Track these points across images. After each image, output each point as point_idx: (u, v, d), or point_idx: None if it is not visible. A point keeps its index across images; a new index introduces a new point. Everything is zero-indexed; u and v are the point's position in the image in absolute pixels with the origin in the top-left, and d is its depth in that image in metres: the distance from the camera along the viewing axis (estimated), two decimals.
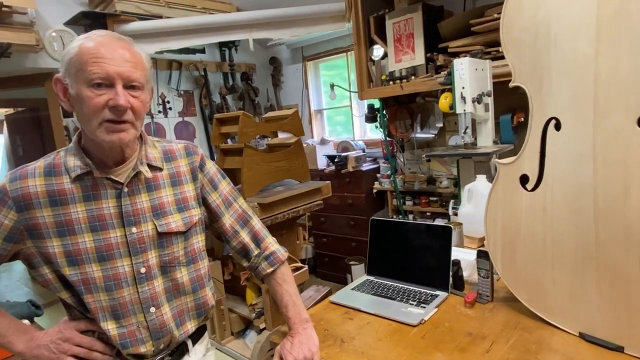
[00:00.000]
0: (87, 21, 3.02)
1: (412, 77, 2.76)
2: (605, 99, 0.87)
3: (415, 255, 1.41)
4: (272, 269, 1.13)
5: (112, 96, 0.85)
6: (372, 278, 1.49)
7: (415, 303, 1.26)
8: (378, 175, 3.49)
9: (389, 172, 3.35)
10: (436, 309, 1.23)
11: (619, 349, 0.95)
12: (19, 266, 5.36)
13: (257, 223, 1.16)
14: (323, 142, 3.87)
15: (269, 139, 2.89)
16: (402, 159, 3.40)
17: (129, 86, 0.87)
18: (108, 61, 0.84)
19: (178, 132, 3.82)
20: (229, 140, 2.97)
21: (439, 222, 2.75)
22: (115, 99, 0.85)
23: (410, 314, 1.21)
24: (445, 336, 1.09)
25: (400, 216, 3.33)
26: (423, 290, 1.34)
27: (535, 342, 1.02)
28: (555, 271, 1.03)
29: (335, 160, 3.53)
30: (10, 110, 4.78)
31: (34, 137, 4.04)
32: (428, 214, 3.21)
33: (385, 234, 1.50)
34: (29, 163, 0.94)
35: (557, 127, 0.97)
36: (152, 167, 0.99)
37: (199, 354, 1.09)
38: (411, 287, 1.36)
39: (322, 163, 3.76)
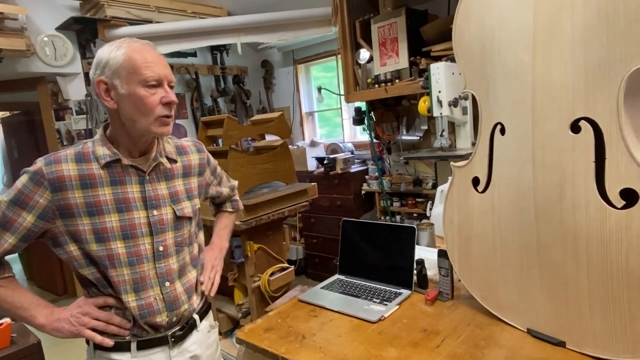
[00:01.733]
0: (78, 26, 3.08)
1: (397, 81, 2.80)
2: (541, 105, 0.92)
3: (382, 255, 1.46)
4: (231, 210, 1.46)
5: (164, 94, 1.01)
6: (342, 277, 1.53)
7: (378, 301, 1.31)
8: (366, 177, 3.54)
9: (376, 174, 3.40)
10: (397, 307, 1.27)
11: (561, 344, 0.99)
12: (16, 267, 5.42)
13: (233, 182, 1.48)
14: (313, 144, 3.92)
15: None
16: (389, 161, 3.44)
17: (170, 86, 1.04)
18: (155, 65, 0.99)
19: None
20: (219, 142, 3.03)
21: (423, 222, 2.79)
22: (168, 96, 1.01)
23: (371, 311, 1.25)
24: (401, 332, 1.14)
25: (388, 217, 3.38)
26: (388, 288, 1.38)
27: (484, 338, 1.07)
28: (504, 270, 1.08)
29: (324, 162, 3.57)
30: (7, 113, 4.85)
31: (28, 140, 4.10)
32: (415, 215, 3.25)
33: (355, 234, 1.54)
34: (59, 151, 1.04)
35: (502, 131, 1.02)
36: (169, 160, 1.13)
37: (204, 330, 1.21)
38: (378, 286, 1.41)
39: (312, 165, 3.81)
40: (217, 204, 1.46)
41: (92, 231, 1.00)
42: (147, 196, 1.06)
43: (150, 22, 3.25)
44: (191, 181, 1.19)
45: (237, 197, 1.49)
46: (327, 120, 4.37)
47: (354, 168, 3.59)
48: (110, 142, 1.05)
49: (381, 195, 3.40)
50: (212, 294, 1.22)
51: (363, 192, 3.54)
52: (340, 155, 3.56)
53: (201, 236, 1.24)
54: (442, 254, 1.29)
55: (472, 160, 1.11)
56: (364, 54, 3.03)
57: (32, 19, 2.99)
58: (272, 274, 2.72)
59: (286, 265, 2.85)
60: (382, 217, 3.48)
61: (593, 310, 0.91)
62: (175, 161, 1.15)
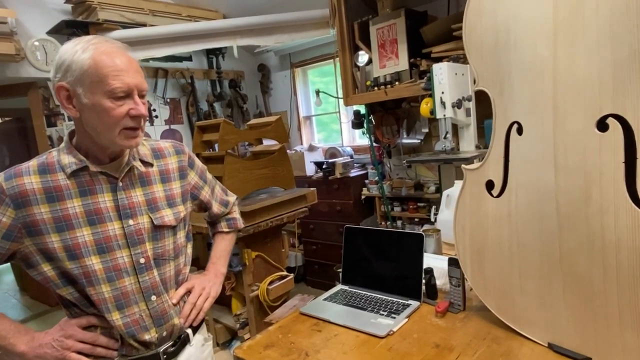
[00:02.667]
0: (70, 30, 3.00)
1: (396, 83, 2.74)
2: (564, 102, 0.85)
3: (388, 264, 1.38)
4: (227, 230, 1.31)
5: (133, 106, 0.91)
6: (346, 287, 1.45)
7: (385, 313, 1.23)
8: (366, 181, 3.46)
9: (376, 178, 3.33)
10: (406, 320, 1.19)
11: None
12: (8, 277, 5.30)
13: (231, 197, 1.35)
14: (311, 148, 3.85)
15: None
16: (389, 165, 3.37)
17: (141, 95, 0.94)
18: (125, 74, 0.89)
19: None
20: (215, 148, 2.95)
21: (427, 227, 2.72)
22: (138, 109, 0.91)
23: (379, 325, 1.17)
24: (412, 348, 1.06)
25: (389, 222, 3.30)
26: (395, 299, 1.30)
27: (502, 354, 0.99)
28: (523, 280, 1.00)
29: (323, 166, 3.50)
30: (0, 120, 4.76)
31: (20, 147, 4.01)
32: (417, 219, 3.18)
33: (359, 242, 1.47)
34: (20, 164, 0.95)
35: (520, 131, 0.95)
36: (143, 163, 1.04)
37: (198, 344, 1.14)
38: (384, 297, 1.33)
39: (310, 170, 3.73)
40: (212, 223, 1.33)
41: (64, 248, 0.92)
42: (120, 205, 0.97)
43: (144, 25, 3.18)
44: (172, 186, 1.09)
45: (234, 214, 1.34)
46: (325, 125, 4.31)
47: (354, 172, 3.52)
48: (77, 149, 0.96)
49: (382, 200, 3.32)
50: (188, 324, 1.09)
51: (363, 197, 3.47)
52: (339, 160, 3.48)
53: (189, 250, 1.15)
54: (453, 263, 1.21)
55: (486, 163, 1.04)
56: (363, 56, 2.97)
57: (23, 23, 2.91)
58: (270, 283, 2.64)
59: (285, 273, 2.76)
60: (383, 223, 3.40)
61: (623, 323, 0.84)
62: (150, 164, 1.05)
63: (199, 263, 2.97)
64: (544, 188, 0.91)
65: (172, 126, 3.85)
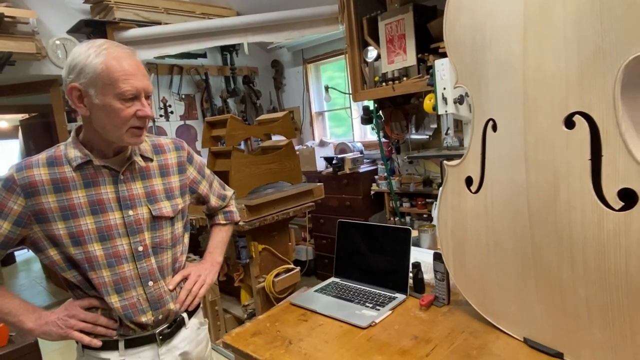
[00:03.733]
0: (88, 29, 3.12)
1: (404, 79, 2.74)
2: (533, 99, 0.85)
3: (378, 258, 1.41)
4: (224, 222, 1.37)
5: (140, 107, 0.99)
6: (337, 280, 1.49)
7: (371, 305, 1.26)
8: (376, 177, 3.47)
9: (385, 174, 3.33)
10: (390, 312, 1.22)
11: (559, 355, 0.92)
12: (36, 266, 5.56)
13: (228, 191, 1.40)
14: (322, 143, 3.88)
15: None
16: (398, 161, 3.37)
17: (147, 97, 1.01)
18: (134, 77, 0.97)
19: (179, 135, 3.90)
20: (225, 143, 3.02)
21: (423, 223, 2.72)
22: (145, 111, 0.99)
23: (362, 316, 1.20)
24: (391, 339, 1.09)
25: (397, 218, 3.31)
26: (383, 292, 1.33)
27: (478, 347, 1.01)
28: (499, 275, 1.02)
29: (333, 162, 3.53)
30: (27, 116, 4.98)
31: (45, 140, 4.20)
32: (425, 215, 3.17)
33: (351, 236, 1.50)
34: (31, 156, 1.03)
35: (495, 128, 0.96)
36: (144, 158, 1.11)
37: (193, 327, 1.20)
38: (373, 290, 1.36)
39: (321, 165, 3.77)
40: (210, 216, 1.40)
41: (68, 235, 0.99)
42: (121, 196, 1.05)
43: (158, 23, 3.27)
44: (171, 180, 1.16)
45: (231, 207, 1.40)
46: (340, 120, 4.32)
47: (363, 168, 3.53)
48: (84, 144, 1.03)
49: (390, 196, 3.33)
50: (183, 308, 1.16)
51: (372, 192, 3.48)
52: (348, 155, 3.50)
53: (186, 239, 1.21)
54: (437, 257, 1.23)
55: (465, 159, 1.05)
56: (372, 52, 2.98)
57: (44, 23, 3.04)
58: (277, 275, 2.70)
59: (292, 266, 2.82)
60: (392, 218, 3.41)
61: (591, 320, 0.84)
62: (150, 160, 1.12)
63: None
64: (516, 184, 0.92)
65: (187, 122, 3.95)
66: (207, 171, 1.33)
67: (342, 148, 3.74)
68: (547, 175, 0.85)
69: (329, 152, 3.88)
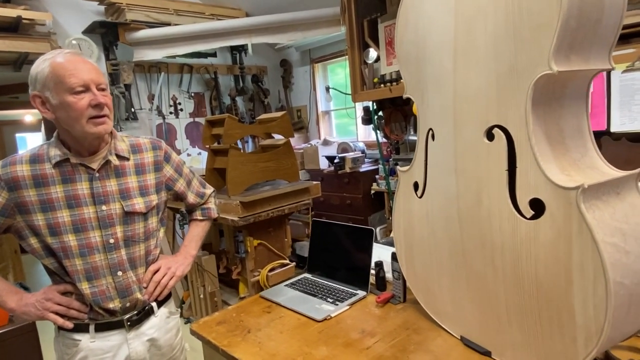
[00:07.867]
0: (102, 30, 3.28)
1: (401, 80, 2.77)
2: (461, 112, 0.91)
3: (344, 256, 1.48)
4: (201, 218, 1.45)
5: (92, 97, 1.07)
6: (309, 276, 1.57)
7: (331, 300, 1.33)
8: (377, 176, 3.52)
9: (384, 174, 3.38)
10: (348, 307, 1.29)
11: (487, 353, 0.98)
12: None
13: (208, 189, 1.48)
14: (326, 142, 3.95)
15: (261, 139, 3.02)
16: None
17: (100, 88, 1.10)
18: (79, 71, 1.06)
19: (189, 132, 4.04)
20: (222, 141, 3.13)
21: None
22: (96, 99, 1.08)
23: (320, 310, 1.28)
24: (340, 332, 1.16)
25: None
26: (346, 288, 1.40)
27: (416, 343, 1.07)
28: (440, 276, 1.07)
29: (334, 161, 3.60)
30: None
31: None
32: None
33: (322, 234, 1.57)
34: (17, 153, 1.15)
35: (433, 137, 1.01)
36: (120, 157, 1.20)
37: (162, 316, 1.29)
38: (337, 286, 1.43)
39: (324, 164, 3.84)
40: (189, 211, 1.48)
41: (47, 226, 1.10)
42: (95, 192, 1.14)
43: (168, 24, 3.41)
44: (146, 178, 1.24)
45: (210, 205, 1.47)
46: (348, 119, 4.37)
47: (364, 167, 3.59)
48: (63, 144, 1.14)
49: (389, 196, 3.37)
50: (152, 298, 1.24)
51: (372, 191, 3.53)
52: (349, 155, 3.56)
53: (161, 234, 1.31)
54: (394, 257, 1.29)
55: (413, 166, 1.11)
56: (372, 54, 3.02)
57: (60, 23, 3.22)
58: (271, 270, 2.80)
59: (287, 261, 2.91)
60: (390, 218, 3.45)
61: (510, 322, 0.90)
62: (127, 159, 1.21)
63: (211, 248, 3.19)
64: (449, 191, 0.97)
65: (196, 119, 4.09)
66: (186, 170, 1.42)
67: (343, 147, 3.81)
68: (472, 183, 0.91)
69: (333, 151, 3.95)
